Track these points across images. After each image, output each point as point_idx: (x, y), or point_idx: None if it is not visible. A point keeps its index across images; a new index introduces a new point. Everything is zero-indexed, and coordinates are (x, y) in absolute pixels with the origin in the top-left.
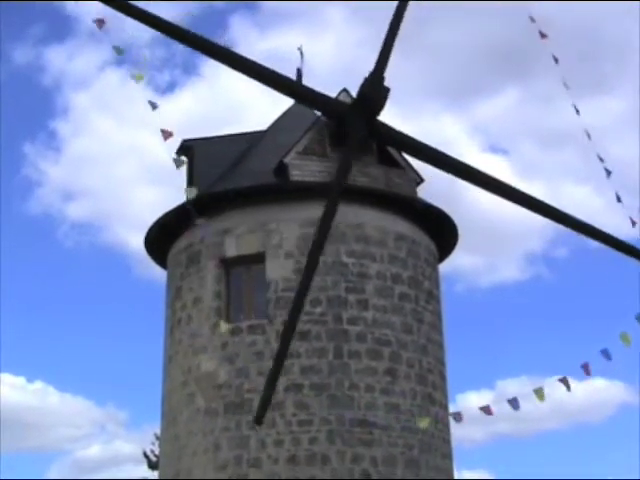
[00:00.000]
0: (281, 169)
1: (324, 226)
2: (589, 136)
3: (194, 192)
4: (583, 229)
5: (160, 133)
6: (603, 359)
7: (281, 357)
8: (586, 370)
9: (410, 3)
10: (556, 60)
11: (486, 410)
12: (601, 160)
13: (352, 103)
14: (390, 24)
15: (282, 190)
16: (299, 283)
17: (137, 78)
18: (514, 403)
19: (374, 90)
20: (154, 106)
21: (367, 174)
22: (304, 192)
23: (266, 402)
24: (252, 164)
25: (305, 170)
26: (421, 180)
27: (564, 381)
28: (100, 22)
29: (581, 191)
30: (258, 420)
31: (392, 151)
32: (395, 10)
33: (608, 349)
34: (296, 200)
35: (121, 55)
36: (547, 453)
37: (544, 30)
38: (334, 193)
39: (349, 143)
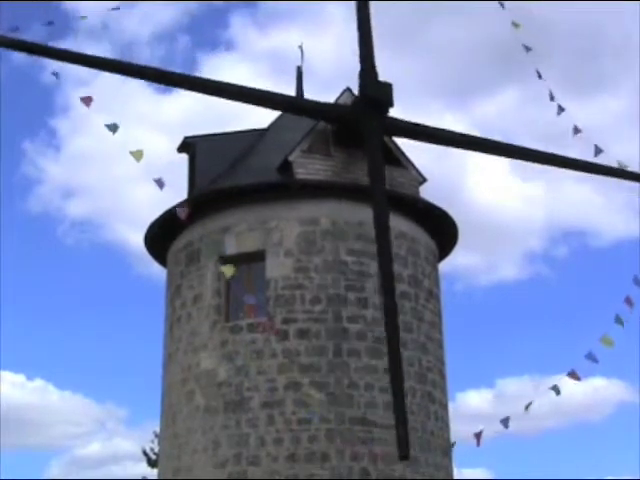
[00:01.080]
0: (285, 167)
1: (383, 232)
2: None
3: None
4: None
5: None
6: (605, 353)
7: (399, 390)
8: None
9: (411, 3)
10: (539, 76)
11: (573, 376)
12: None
13: (358, 106)
14: (358, 25)
15: (287, 188)
16: (385, 306)
17: (136, 156)
18: (556, 389)
19: (378, 90)
20: (161, 185)
21: None
22: (308, 190)
23: (406, 439)
24: (254, 162)
25: (310, 168)
26: (424, 180)
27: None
28: (87, 100)
29: (581, 190)
30: (405, 457)
31: (395, 151)
32: (356, 9)
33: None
34: (297, 198)
35: (115, 133)
36: (547, 451)
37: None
38: (381, 197)
39: (372, 144)
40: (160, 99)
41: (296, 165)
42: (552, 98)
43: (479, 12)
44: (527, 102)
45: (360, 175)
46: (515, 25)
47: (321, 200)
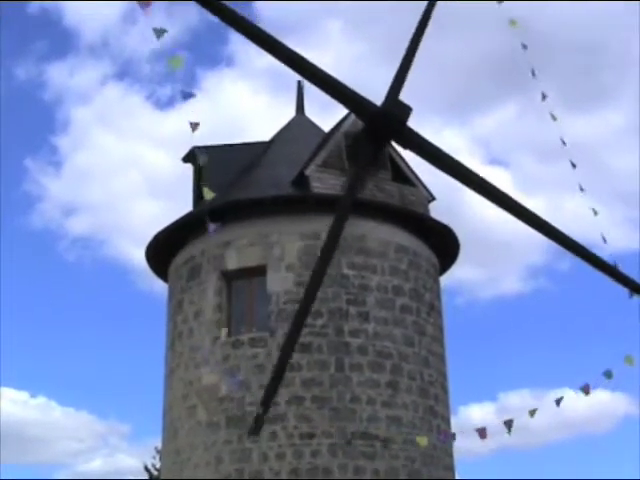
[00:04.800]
0: (300, 181)
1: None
2: (564, 143)
3: (210, 194)
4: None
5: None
6: (601, 370)
7: None
8: None
9: (409, 20)
10: (544, 97)
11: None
12: (573, 166)
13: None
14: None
15: (303, 201)
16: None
17: (175, 64)
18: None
19: (396, 108)
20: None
21: (383, 190)
22: (323, 205)
23: None
24: (263, 174)
25: (326, 183)
26: (432, 198)
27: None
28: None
29: (581, 204)
30: None
31: (405, 169)
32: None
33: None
34: (298, 212)
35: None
36: (551, 465)
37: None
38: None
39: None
40: (160, 115)
41: (312, 179)
42: (554, 118)
43: (478, 27)
44: (526, 117)
45: (374, 191)
46: (512, 23)
47: (322, 214)
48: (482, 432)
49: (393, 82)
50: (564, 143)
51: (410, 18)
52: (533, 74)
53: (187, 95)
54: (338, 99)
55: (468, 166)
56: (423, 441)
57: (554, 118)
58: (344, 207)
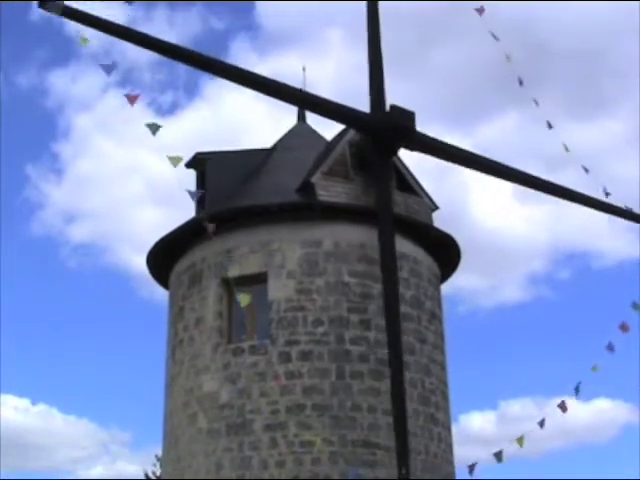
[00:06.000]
0: (306, 188)
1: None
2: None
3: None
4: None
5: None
6: (602, 378)
7: None
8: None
9: (411, 28)
10: (536, 103)
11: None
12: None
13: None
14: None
15: (310, 209)
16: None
17: (174, 162)
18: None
19: (401, 117)
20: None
21: None
22: (328, 213)
23: None
24: (267, 181)
25: (331, 191)
26: (436, 207)
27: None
28: (133, 99)
29: (584, 211)
30: None
31: (409, 179)
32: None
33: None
34: (300, 220)
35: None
36: (552, 474)
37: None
38: (388, 225)
39: (385, 173)
40: (161, 122)
41: (318, 187)
42: (550, 126)
43: (478, 36)
44: (527, 125)
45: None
46: (508, 58)
47: (324, 222)
48: (563, 405)
49: (370, 89)
50: (567, 149)
51: (411, 26)
52: (520, 83)
53: (195, 196)
54: (331, 118)
55: (483, 155)
56: (521, 442)
57: (550, 126)
58: (386, 224)
